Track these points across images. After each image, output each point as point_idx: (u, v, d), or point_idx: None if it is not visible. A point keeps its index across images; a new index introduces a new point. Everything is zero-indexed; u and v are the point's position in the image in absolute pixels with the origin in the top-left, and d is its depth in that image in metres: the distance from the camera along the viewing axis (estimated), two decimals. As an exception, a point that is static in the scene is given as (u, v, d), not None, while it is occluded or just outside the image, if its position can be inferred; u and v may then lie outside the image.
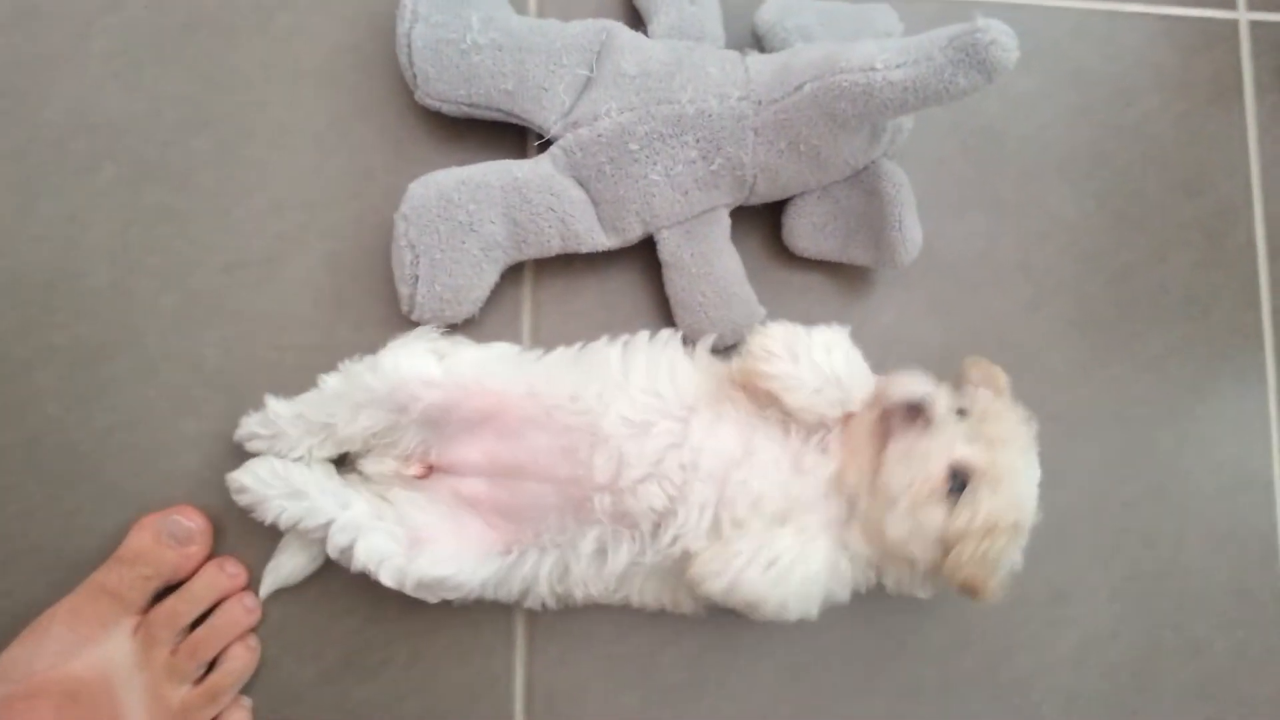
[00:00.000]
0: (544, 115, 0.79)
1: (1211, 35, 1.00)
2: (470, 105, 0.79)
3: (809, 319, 0.84)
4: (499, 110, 0.79)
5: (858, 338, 0.81)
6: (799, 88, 0.75)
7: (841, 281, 0.90)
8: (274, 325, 0.83)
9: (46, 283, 0.82)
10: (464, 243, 0.76)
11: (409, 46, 0.77)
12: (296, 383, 0.78)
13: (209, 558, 0.78)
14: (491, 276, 0.79)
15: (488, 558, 0.72)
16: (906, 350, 0.89)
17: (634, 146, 0.77)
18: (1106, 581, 0.91)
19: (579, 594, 0.74)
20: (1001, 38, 0.66)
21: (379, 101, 0.85)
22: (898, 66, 0.69)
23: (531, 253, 0.79)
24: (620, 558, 0.71)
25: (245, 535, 0.80)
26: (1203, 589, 0.92)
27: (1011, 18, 0.92)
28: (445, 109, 0.80)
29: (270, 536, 0.79)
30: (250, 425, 0.76)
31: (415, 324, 0.79)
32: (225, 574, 0.77)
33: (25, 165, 0.82)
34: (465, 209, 0.76)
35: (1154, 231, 0.96)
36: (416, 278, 0.76)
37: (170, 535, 0.76)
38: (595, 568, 0.72)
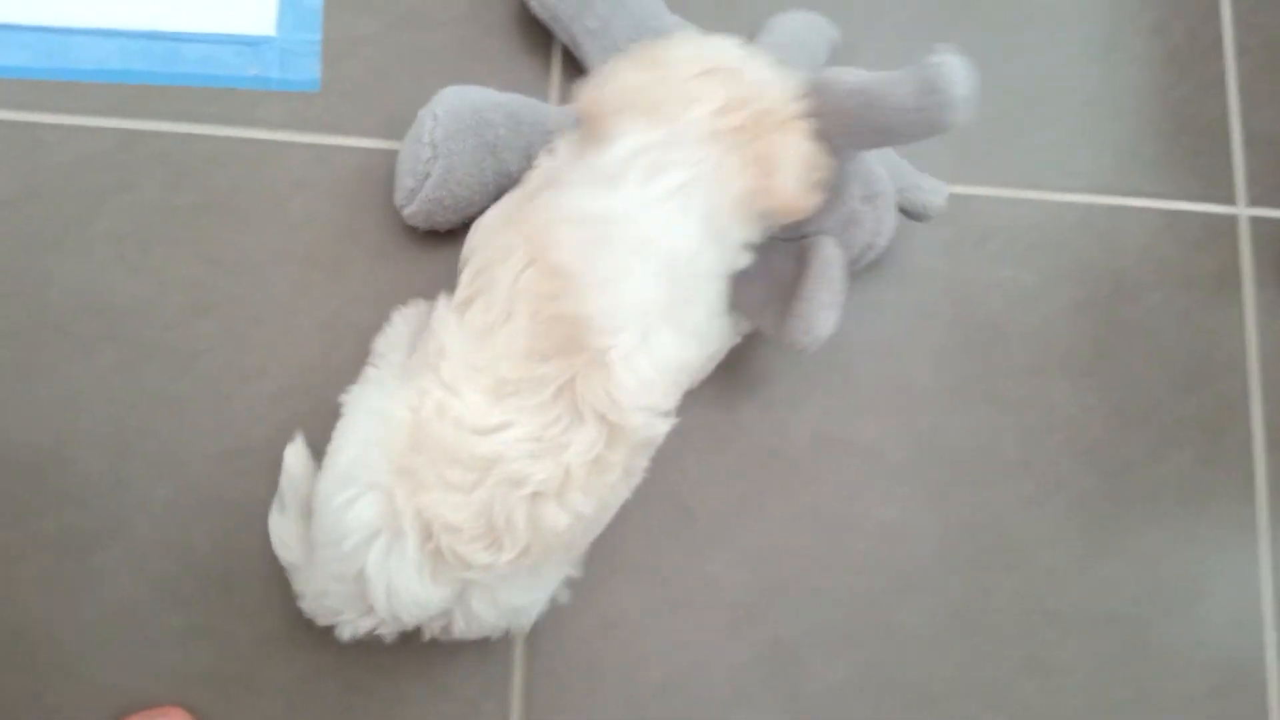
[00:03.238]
0: None
1: (1212, 229, 1.07)
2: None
3: (812, 509, 0.92)
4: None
5: (855, 529, 0.91)
6: None
7: (844, 476, 0.95)
8: (264, 518, 0.86)
9: (39, 468, 0.85)
10: (484, 162, 0.85)
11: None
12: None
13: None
14: (488, 202, 0.86)
15: None
16: (905, 545, 0.94)
17: None
18: (1101, 788, 0.96)
19: None
20: (956, 69, 0.72)
21: (387, 291, 0.90)
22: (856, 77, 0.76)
23: (514, 168, 0.86)
24: None
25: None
26: (1196, 795, 0.97)
27: (1015, 212, 1.01)
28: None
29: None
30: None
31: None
32: None
33: (24, 345, 0.86)
34: (497, 132, 0.85)
35: (1154, 428, 1.02)
36: (428, 175, 0.84)
37: (156, 737, 0.79)
38: None
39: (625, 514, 0.88)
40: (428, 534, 0.70)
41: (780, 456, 0.95)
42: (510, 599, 0.76)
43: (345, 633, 0.76)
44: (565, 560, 0.80)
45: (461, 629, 0.76)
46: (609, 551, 0.90)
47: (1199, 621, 0.99)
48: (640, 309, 0.71)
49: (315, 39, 0.98)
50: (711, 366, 0.90)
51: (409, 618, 0.74)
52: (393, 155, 0.90)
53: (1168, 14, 1.11)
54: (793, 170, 0.73)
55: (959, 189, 1.03)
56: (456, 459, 0.70)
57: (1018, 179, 1.05)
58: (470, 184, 0.85)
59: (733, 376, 0.95)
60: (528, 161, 0.84)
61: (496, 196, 0.86)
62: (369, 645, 0.78)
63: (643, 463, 0.77)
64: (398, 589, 0.72)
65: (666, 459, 0.90)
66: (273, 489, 0.86)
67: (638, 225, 0.71)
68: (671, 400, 0.75)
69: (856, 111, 0.75)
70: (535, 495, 0.70)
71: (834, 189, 0.81)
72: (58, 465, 0.85)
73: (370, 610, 0.74)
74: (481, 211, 0.85)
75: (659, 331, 0.72)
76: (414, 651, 0.84)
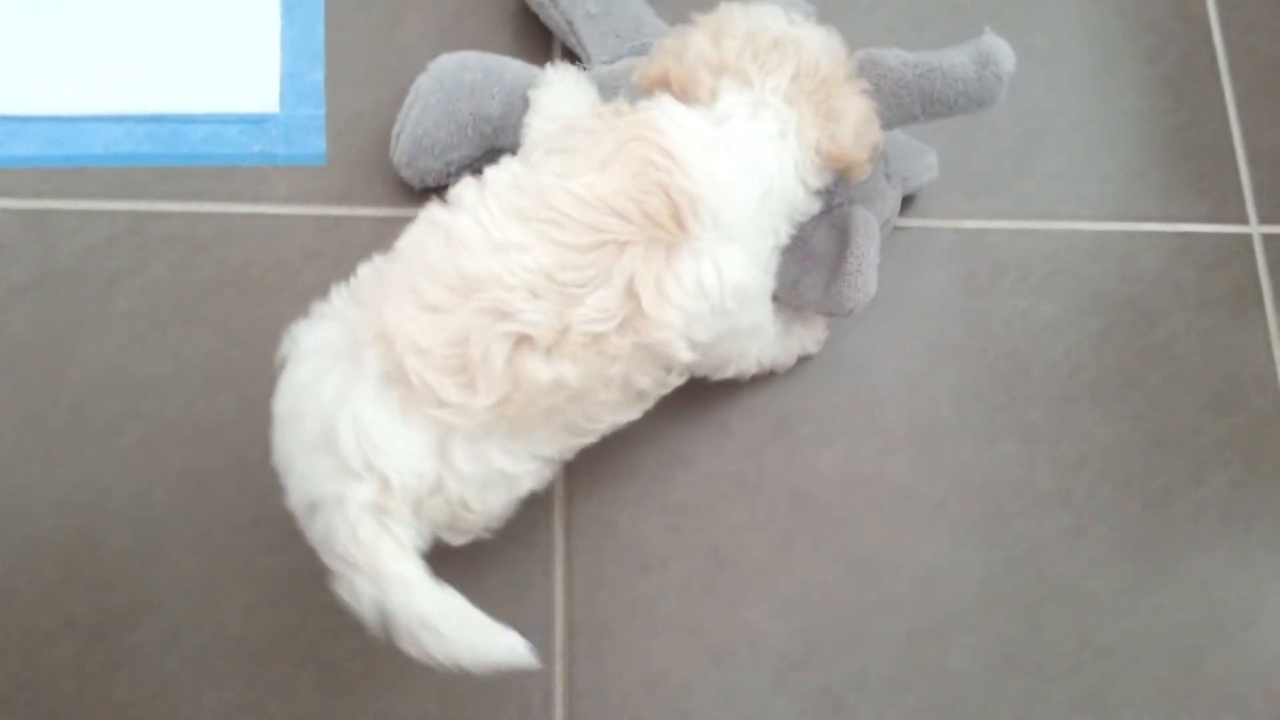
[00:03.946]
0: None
1: (1226, 250, 1.09)
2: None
3: (849, 552, 0.93)
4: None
5: (893, 570, 0.92)
6: None
7: (878, 516, 0.95)
8: (299, 586, 0.86)
9: (67, 550, 0.87)
10: (459, 102, 0.90)
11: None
12: (323, 649, 0.82)
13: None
14: (470, 149, 0.92)
15: None
16: (947, 585, 0.94)
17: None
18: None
19: None
20: (1007, 48, 0.83)
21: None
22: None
23: (506, 142, 0.91)
24: None
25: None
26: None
27: (1029, 244, 1.03)
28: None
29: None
30: None
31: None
32: None
33: (46, 429, 0.88)
34: (474, 74, 0.91)
35: (1190, 451, 1.03)
36: (407, 119, 0.92)
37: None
38: None
39: (659, 564, 0.88)
40: (389, 351, 0.66)
41: (811, 500, 0.95)
42: (496, 459, 0.69)
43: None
44: (554, 438, 0.74)
45: (459, 505, 0.70)
46: (645, 607, 0.91)
47: (1254, 646, 0.99)
48: (734, 217, 0.74)
49: (319, 114, 1.02)
50: (752, 360, 0.91)
51: (395, 475, 0.66)
52: (400, 223, 0.92)
53: (1160, 41, 1.16)
54: (853, 124, 0.79)
55: (970, 224, 1.06)
56: (437, 274, 0.67)
57: (1028, 211, 1.08)
58: (447, 125, 0.91)
59: (755, 421, 0.97)
60: (506, 108, 0.91)
61: (478, 144, 0.92)
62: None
63: (645, 380, 0.74)
64: (364, 422, 0.65)
65: (698, 509, 0.92)
66: (301, 558, 0.86)
67: (746, 147, 0.75)
68: (705, 333, 0.75)
69: (912, 80, 0.84)
70: (521, 339, 0.67)
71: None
72: (85, 547, 0.86)
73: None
74: (464, 159, 0.93)
75: (734, 246, 0.74)
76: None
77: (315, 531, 0.69)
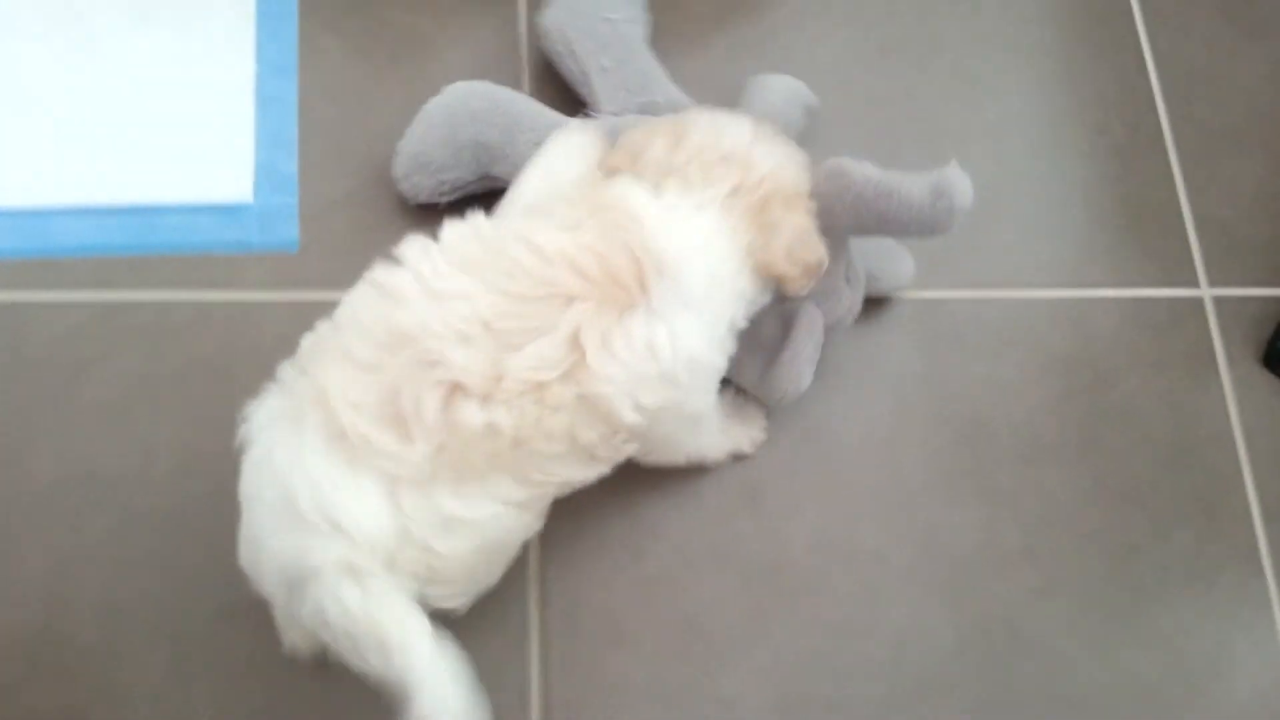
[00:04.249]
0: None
1: (1179, 313, 1.12)
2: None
3: (821, 618, 0.93)
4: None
5: (867, 635, 0.92)
6: None
7: (850, 582, 0.96)
8: (268, 674, 0.85)
9: (32, 644, 0.85)
10: (461, 126, 0.95)
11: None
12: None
13: None
14: (465, 172, 0.96)
15: None
16: (921, 647, 0.94)
17: None
18: None
19: None
20: (965, 183, 0.84)
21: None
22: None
23: (501, 171, 0.95)
24: None
25: None
26: None
27: (987, 311, 1.05)
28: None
29: None
30: None
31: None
32: None
33: (11, 519, 0.88)
34: (481, 101, 0.96)
35: (1152, 509, 1.04)
36: (411, 136, 0.97)
37: None
38: None
39: (633, 637, 0.88)
40: (328, 411, 0.67)
41: (783, 568, 0.96)
42: (447, 504, 0.69)
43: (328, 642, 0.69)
44: (507, 485, 0.72)
45: (428, 553, 0.69)
46: (620, 681, 0.90)
47: (1223, 698, 0.99)
48: (694, 288, 0.76)
49: (292, 202, 1.03)
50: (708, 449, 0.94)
51: (356, 527, 0.66)
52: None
53: (1106, 114, 1.20)
54: (786, 241, 0.80)
55: (929, 294, 1.09)
56: (369, 332, 0.69)
57: (983, 279, 1.11)
58: (446, 146, 0.96)
59: (723, 489, 0.98)
60: (506, 138, 0.95)
61: (473, 169, 0.97)
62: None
63: (591, 435, 0.73)
64: (317, 480, 0.66)
65: (671, 580, 0.93)
66: (272, 644, 0.85)
67: (696, 225, 0.78)
68: (651, 398, 0.75)
69: (871, 198, 0.85)
70: (455, 387, 0.67)
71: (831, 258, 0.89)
72: (51, 640, 0.85)
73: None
74: (458, 181, 0.97)
75: (691, 316, 0.76)
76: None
77: (305, 613, 0.68)
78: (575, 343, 0.70)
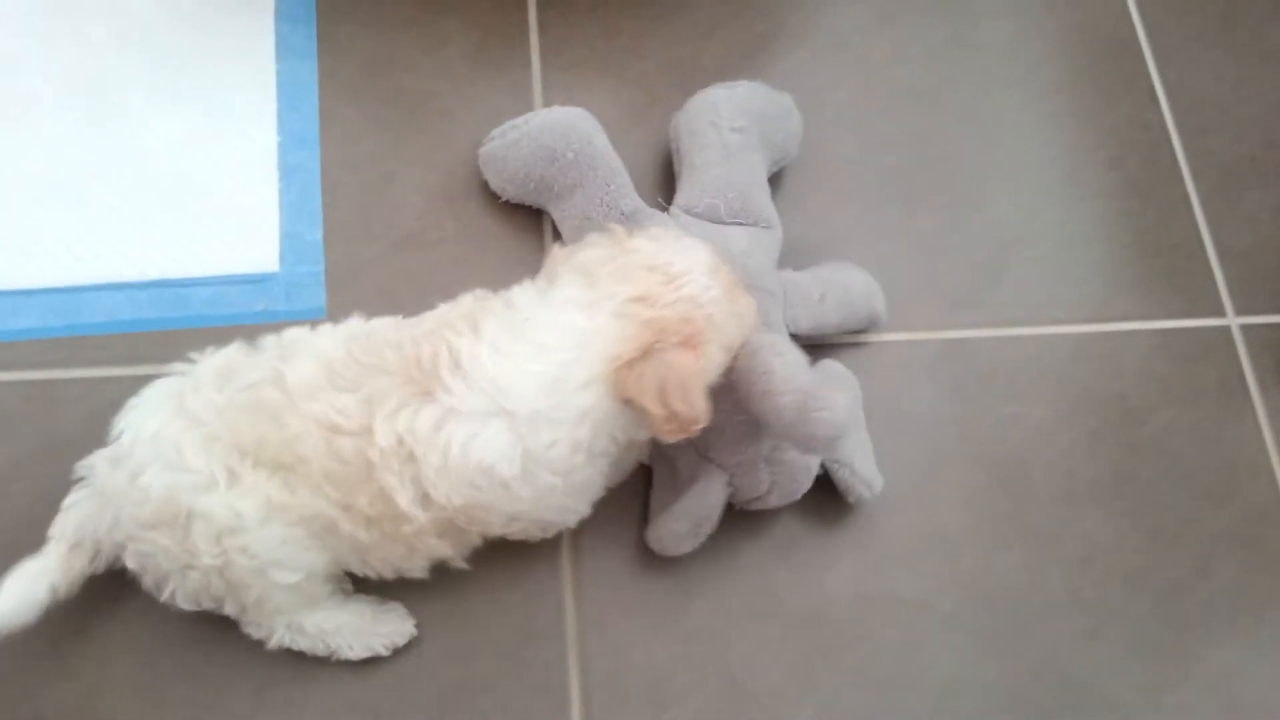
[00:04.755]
0: None
1: (1207, 343, 1.10)
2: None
3: (865, 671, 0.91)
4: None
5: (912, 688, 0.90)
6: None
7: (892, 632, 0.93)
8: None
9: (73, 725, 0.83)
10: (538, 161, 1.00)
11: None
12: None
13: None
14: (521, 194, 1.03)
15: None
16: (969, 697, 0.92)
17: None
18: None
19: None
20: (836, 415, 0.79)
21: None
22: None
23: (554, 212, 1.02)
24: None
25: None
26: None
27: (1012, 350, 1.04)
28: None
29: None
30: None
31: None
32: None
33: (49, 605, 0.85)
34: (572, 150, 0.99)
35: (1193, 544, 1.02)
36: (505, 135, 1.02)
37: None
38: None
39: (678, 698, 0.86)
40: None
41: (823, 619, 0.94)
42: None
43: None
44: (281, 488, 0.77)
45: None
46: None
47: (1281, 738, 0.95)
48: (512, 390, 0.74)
49: (318, 270, 1.03)
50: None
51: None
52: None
53: (1121, 149, 1.20)
54: (656, 376, 0.75)
55: (953, 334, 1.07)
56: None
57: (1008, 318, 1.09)
58: (523, 165, 1.01)
59: (758, 540, 0.96)
60: (568, 189, 1.00)
61: (534, 198, 1.03)
62: None
63: (361, 499, 0.76)
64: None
65: (712, 637, 0.91)
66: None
67: (567, 319, 0.76)
68: (460, 497, 0.75)
69: (754, 385, 0.81)
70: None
71: (749, 431, 0.87)
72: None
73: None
74: (514, 196, 1.04)
75: (500, 424, 0.74)
76: None
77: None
78: (369, 404, 0.74)
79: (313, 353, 0.78)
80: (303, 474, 0.75)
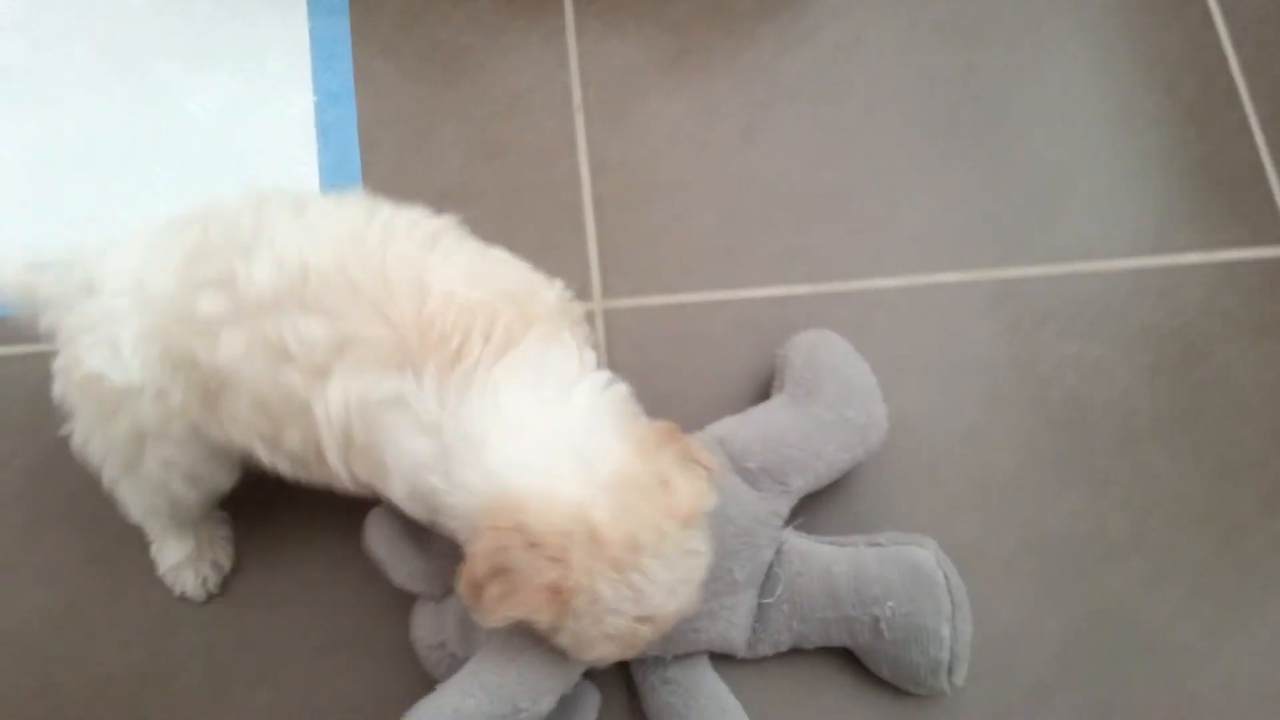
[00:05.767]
0: None
1: (1272, 274, 1.05)
2: None
3: None
4: None
5: (974, 637, 0.84)
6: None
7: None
8: (370, 711, 0.83)
9: (137, 685, 0.84)
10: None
11: None
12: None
13: None
14: None
15: None
16: (1029, 646, 0.89)
17: None
18: None
19: None
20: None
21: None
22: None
23: None
24: None
25: None
26: None
27: (1069, 287, 0.99)
28: None
29: None
30: None
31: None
32: None
33: (114, 567, 0.85)
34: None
35: (1258, 483, 0.97)
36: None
37: None
38: None
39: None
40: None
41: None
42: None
43: None
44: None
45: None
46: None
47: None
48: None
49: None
50: None
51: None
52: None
53: (1176, 72, 1.13)
54: (505, 588, 0.64)
55: (1007, 272, 1.03)
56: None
57: (1064, 254, 1.04)
58: None
59: (819, 491, 0.91)
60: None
61: None
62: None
63: (294, 434, 0.68)
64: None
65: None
66: (369, 680, 0.83)
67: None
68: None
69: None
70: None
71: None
72: (155, 681, 0.84)
73: None
74: None
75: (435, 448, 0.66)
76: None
77: None
78: (339, 348, 0.65)
79: (292, 249, 0.67)
80: (228, 402, 0.68)
